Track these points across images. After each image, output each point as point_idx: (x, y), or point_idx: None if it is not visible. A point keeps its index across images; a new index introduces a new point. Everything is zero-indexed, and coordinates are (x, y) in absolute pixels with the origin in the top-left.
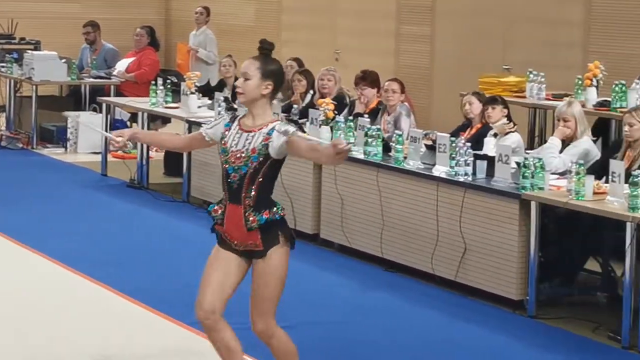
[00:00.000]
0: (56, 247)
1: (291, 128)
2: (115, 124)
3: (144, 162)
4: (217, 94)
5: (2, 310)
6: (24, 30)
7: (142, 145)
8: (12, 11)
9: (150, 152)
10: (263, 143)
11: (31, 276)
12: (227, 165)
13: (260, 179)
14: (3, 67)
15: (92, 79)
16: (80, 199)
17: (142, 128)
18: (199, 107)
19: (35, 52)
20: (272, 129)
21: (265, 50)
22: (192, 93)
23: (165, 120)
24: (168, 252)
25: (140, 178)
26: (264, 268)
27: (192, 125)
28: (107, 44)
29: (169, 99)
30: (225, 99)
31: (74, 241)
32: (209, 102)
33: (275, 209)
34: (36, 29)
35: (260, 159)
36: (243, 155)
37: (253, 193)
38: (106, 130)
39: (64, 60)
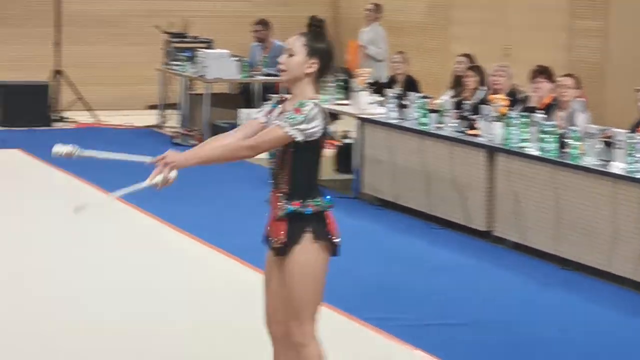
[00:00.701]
0: (235, 243)
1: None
2: None
3: None
4: (387, 91)
5: (182, 307)
6: (196, 29)
7: None
8: (186, 10)
9: None
10: None
11: (214, 273)
12: None
13: (291, 163)
14: (176, 65)
15: (263, 77)
16: (256, 195)
17: None
18: (370, 103)
19: (208, 51)
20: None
21: (315, 27)
22: (362, 90)
23: (334, 116)
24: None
25: None
26: (288, 266)
27: (363, 122)
28: (278, 42)
29: (340, 95)
30: (397, 96)
31: (251, 237)
32: (380, 98)
33: (311, 201)
34: (208, 27)
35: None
36: None
37: (286, 178)
38: None
39: (236, 59)
